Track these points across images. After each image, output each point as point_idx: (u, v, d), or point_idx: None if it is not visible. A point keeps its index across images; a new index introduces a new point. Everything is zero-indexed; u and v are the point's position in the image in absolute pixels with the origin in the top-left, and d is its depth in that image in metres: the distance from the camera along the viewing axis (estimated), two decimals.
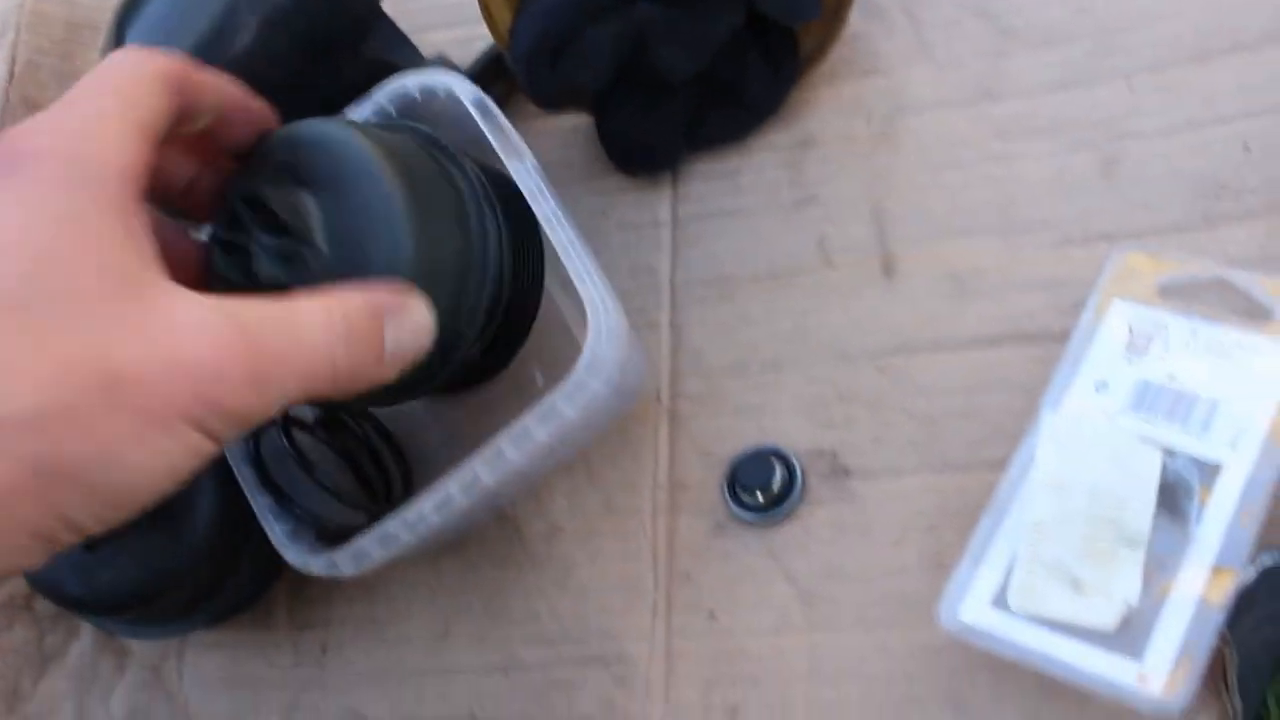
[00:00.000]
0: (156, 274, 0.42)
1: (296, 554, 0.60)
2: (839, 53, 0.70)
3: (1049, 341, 0.62)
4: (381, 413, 0.69)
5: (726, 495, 0.64)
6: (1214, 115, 0.63)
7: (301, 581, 0.70)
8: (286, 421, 0.63)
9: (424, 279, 0.52)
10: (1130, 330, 0.59)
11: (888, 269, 0.66)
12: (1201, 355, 0.58)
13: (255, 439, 0.63)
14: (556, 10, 0.65)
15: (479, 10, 0.67)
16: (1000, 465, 0.59)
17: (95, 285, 0.40)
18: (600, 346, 0.56)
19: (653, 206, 0.72)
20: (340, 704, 0.68)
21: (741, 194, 0.71)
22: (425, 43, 0.76)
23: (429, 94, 0.62)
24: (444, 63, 0.73)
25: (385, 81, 0.63)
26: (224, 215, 0.54)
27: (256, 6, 0.65)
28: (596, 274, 0.57)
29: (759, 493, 0.62)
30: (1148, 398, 0.57)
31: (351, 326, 0.46)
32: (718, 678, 0.62)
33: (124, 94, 0.45)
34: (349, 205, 0.52)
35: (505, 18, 0.68)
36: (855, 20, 0.70)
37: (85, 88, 0.45)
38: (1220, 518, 0.54)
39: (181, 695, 0.71)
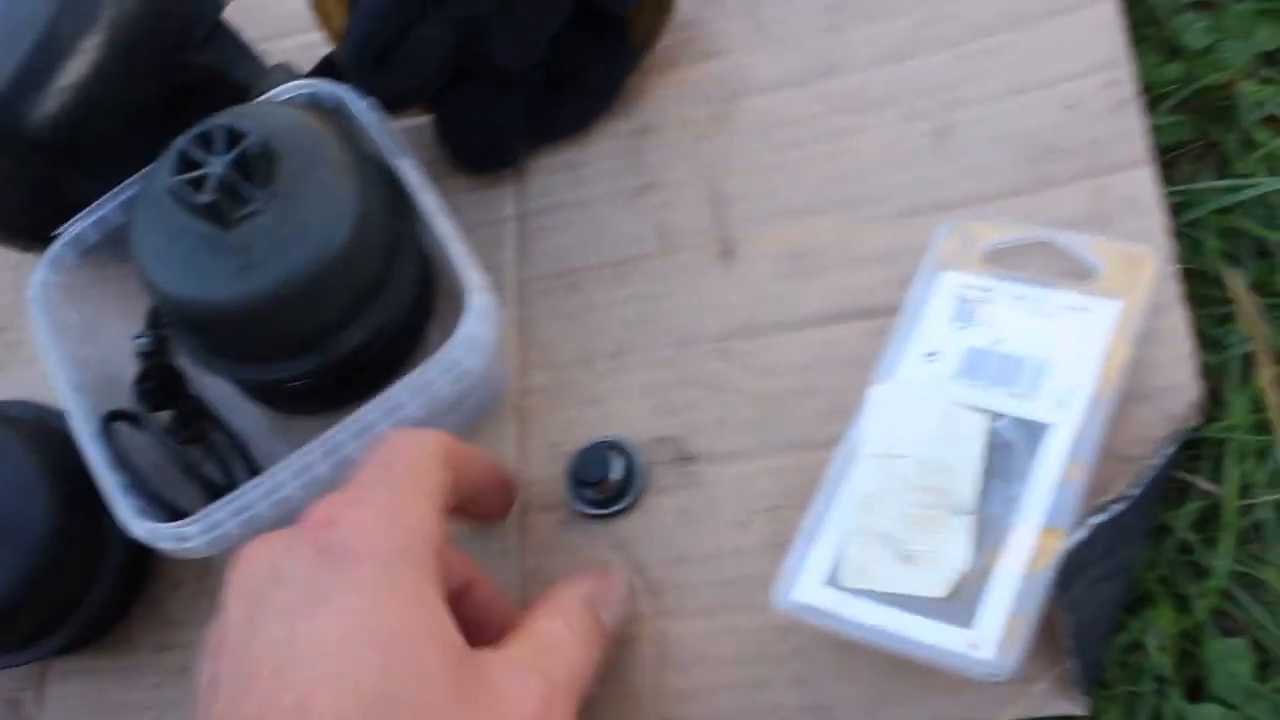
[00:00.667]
0: (464, 646, 0.47)
1: (144, 527, 0.58)
2: (676, 37, 0.70)
3: (887, 316, 0.61)
4: (243, 428, 0.70)
5: (568, 491, 0.63)
6: (1036, 79, 0.63)
7: (161, 602, 0.69)
8: (145, 407, 0.65)
9: (357, 251, 0.58)
10: (958, 298, 0.59)
11: (727, 251, 0.66)
12: (1028, 318, 0.57)
13: (106, 422, 0.62)
14: (383, 10, 0.64)
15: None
16: (840, 442, 0.59)
17: (440, 665, 0.44)
18: (476, 325, 0.57)
19: (497, 204, 0.71)
20: None
21: (584, 185, 0.70)
22: (272, 51, 0.75)
23: (313, 100, 0.65)
24: (286, 71, 0.72)
25: (271, 90, 0.66)
26: (199, 131, 0.58)
27: (83, 26, 0.64)
28: (477, 262, 0.59)
29: (598, 487, 0.62)
30: (975, 364, 0.57)
31: (585, 628, 0.52)
32: None
33: (417, 473, 0.50)
34: (308, 173, 0.58)
35: (339, 21, 0.67)
36: (692, 4, 0.70)
37: (381, 471, 0.50)
38: (1047, 479, 0.54)
39: None
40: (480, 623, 0.52)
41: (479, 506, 0.57)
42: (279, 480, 0.57)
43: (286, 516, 0.57)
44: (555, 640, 0.50)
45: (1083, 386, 0.55)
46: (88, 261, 0.66)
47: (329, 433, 0.57)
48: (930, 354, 0.58)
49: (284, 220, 0.57)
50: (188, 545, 0.58)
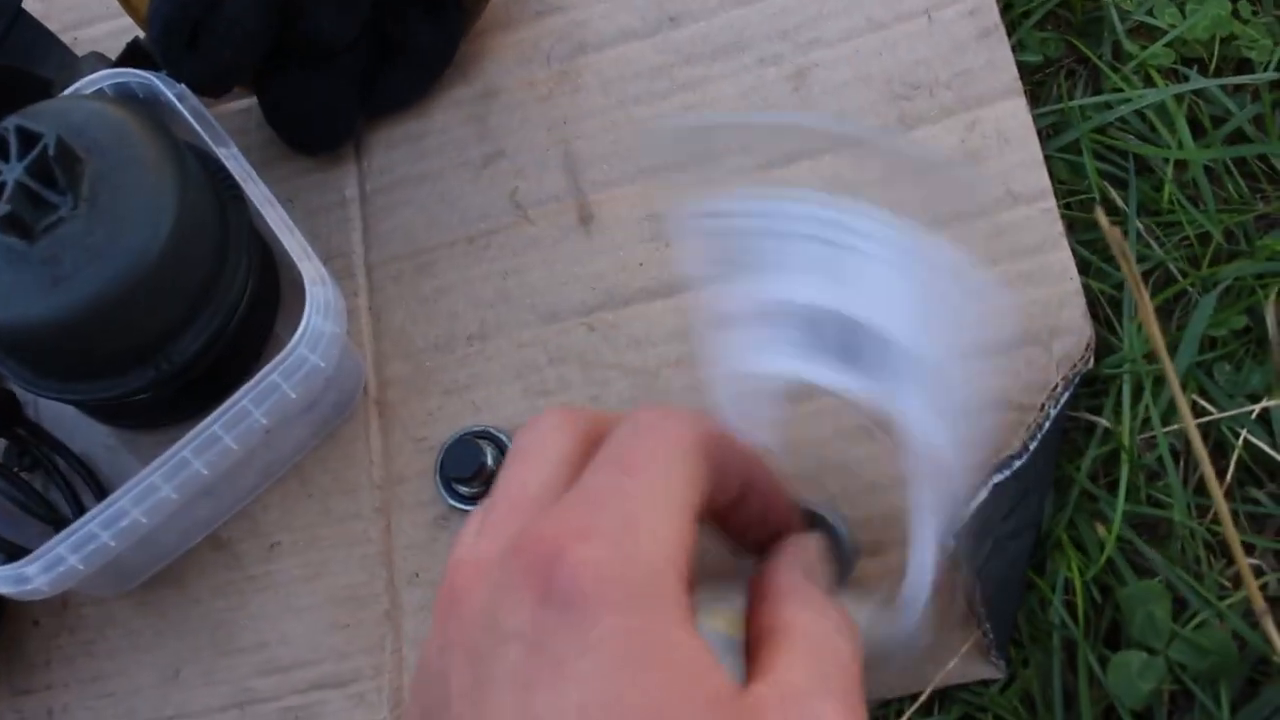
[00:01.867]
0: (732, 680, 0.36)
1: None
2: None
3: None
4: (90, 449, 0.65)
5: (440, 488, 0.59)
6: (894, 11, 0.60)
7: (16, 646, 0.64)
8: None
9: (179, 252, 0.54)
10: None
11: (585, 217, 0.62)
12: None
13: None
14: None
15: None
16: None
17: None
18: (319, 319, 0.53)
19: (338, 184, 0.67)
20: None
21: (428, 157, 0.66)
22: (83, 39, 0.70)
23: (123, 90, 0.60)
24: (98, 60, 0.66)
25: (81, 79, 0.61)
26: None
27: None
28: (313, 252, 0.56)
29: (472, 482, 0.58)
30: None
31: (836, 610, 0.41)
32: None
33: (664, 481, 0.38)
34: (118, 172, 0.53)
35: (142, 2, 0.61)
36: None
37: (616, 478, 0.38)
38: None
39: None
40: (756, 524, 0.44)
41: (741, 518, 0.44)
42: (120, 508, 0.53)
43: (140, 543, 0.54)
44: (824, 642, 0.39)
45: None
46: None
47: (171, 450, 0.53)
48: None
49: (94, 226, 0.52)
50: (29, 587, 0.53)
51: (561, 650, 0.34)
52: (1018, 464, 0.52)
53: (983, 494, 0.52)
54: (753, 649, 0.39)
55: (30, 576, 0.53)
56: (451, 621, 0.38)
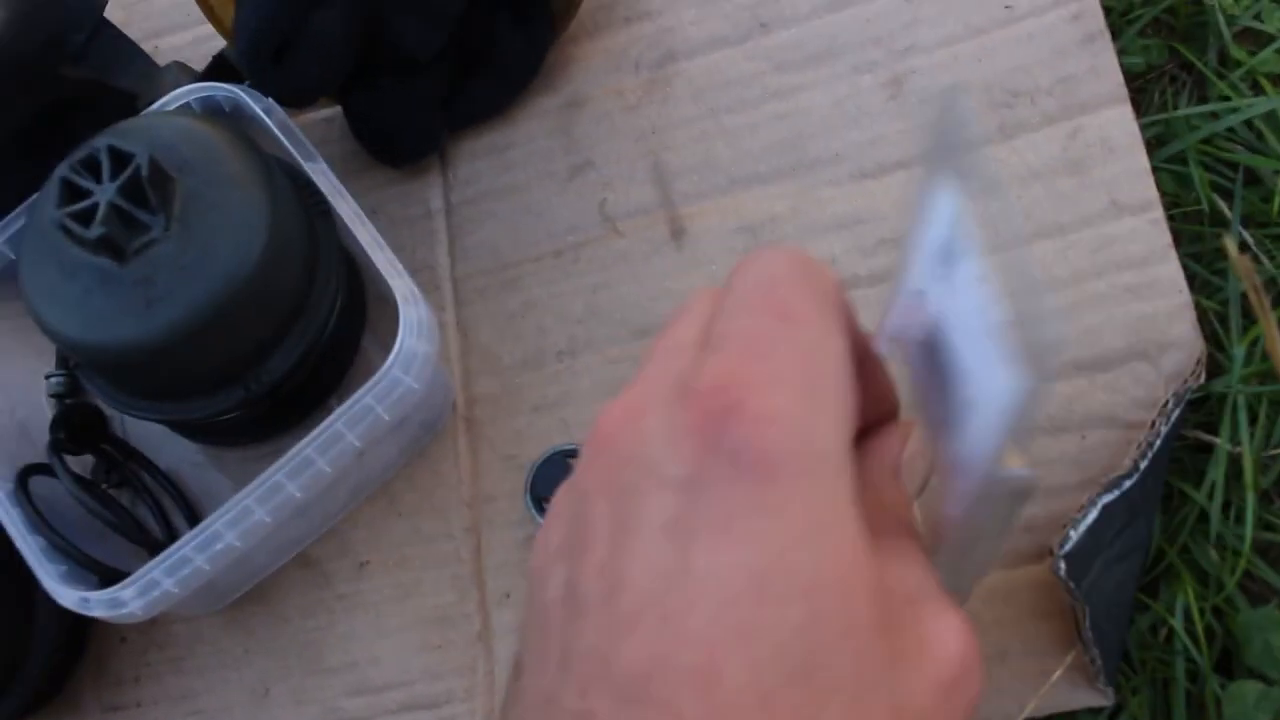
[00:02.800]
0: (899, 579, 0.35)
1: (73, 596, 0.54)
2: (598, 1, 0.64)
3: (854, 286, 0.57)
4: (176, 465, 0.65)
5: (531, 508, 0.58)
6: (994, 17, 0.58)
7: (105, 663, 0.64)
8: (59, 458, 0.59)
9: (272, 271, 0.53)
10: None
11: (676, 230, 0.61)
12: None
13: (22, 479, 0.57)
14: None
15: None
16: None
17: (873, 620, 0.32)
18: (412, 340, 0.53)
19: (422, 196, 0.66)
20: None
21: (513, 169, 0.65)
22: (164, 47, 0.69)
23: (209, 105, 0.60)
24: (180, 71, 0.65)
25: (161, 97, 0.60)
26: (81, 155, 0.52)
27: None
28: (404, 269, 0.55)
29: None
30: None
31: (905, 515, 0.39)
32: None
33: (834, 330, 0.35)
34: (208, 190, 0.52)
35: (228, 11, 0.61)
36: None
37: (781, 325, 0.35)
38: None
39: None
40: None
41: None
42: (215, 531, 0.53)
43: (231, 565, 0.53)
44: (914, 553, 0.38)
45: None
46: None
47: (265, 474, 0.53)
48: None
49: (187, 246, 0.51)
50: (124, 611, 0.53)
51: (732, 506, 0.32)
52: (1127, 484, 0.51)
53: (1091, 515, 0.51)
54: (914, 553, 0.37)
55: (125, 601, 0.52)
56: (596, 464, 0.35)
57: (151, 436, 0.65)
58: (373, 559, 0.61)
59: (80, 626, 0.64)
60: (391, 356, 0.52)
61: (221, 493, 0.63)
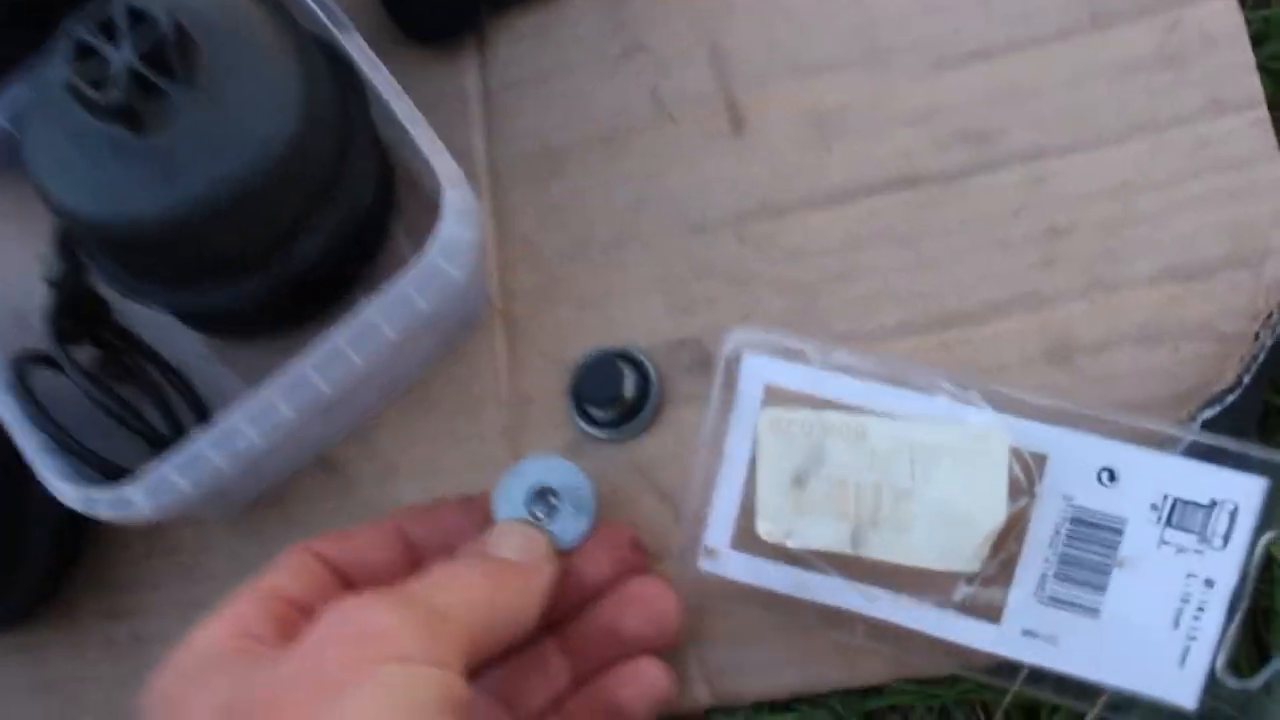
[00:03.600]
0: None
1: (77, 493, 0.50)
2: None
3: (930, 184, 0.54)
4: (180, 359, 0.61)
5: (574, 413, 0.55)
6: None
7: (105, 568, 0.61)
8: (62, 346, 0.55)
9: (305, 146, 0.49)
10: None
11: (736, 119, 0.57)
12: None
13: (20, 369, 0.53)
14: None
15: None
16: (892, 331, 0.52)
17: None
18: (455, 225, 0.49)
19: (457, 78, 0.62)
20: None
21: (558, 49, 0.61)
22: None
23: None
24: None
25: None
26: (95, 15, 0.47)
27: None
28: (442, 147, 0.51)
29: (609, 406, 0.54)
30: None
31: None
32: None
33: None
34: (237, 59, 0.48)
35: None
36: None
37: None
38: None
39: None
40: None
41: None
42: (234, 427, 0.49)
43: (249, 466, 0.50)
44: None
45: None
46: None
47: (292, 365, 0.49)
48: None
49: (213, 117, 0.47)
50: (132, 512, 0.49)
51: None
52: (1230, 399, 0.48)
53: (1198, 422, 0.48)
54: None
55: (134, 500, 0.49)
56: None
57: (153, 328, 0.60)
58: (401, 462, 0.58)
59: (78, 529, 0.60)
60: (432, 241, 0.49)
61: (230, 390, 0.60)
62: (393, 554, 0.49)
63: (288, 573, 0.45)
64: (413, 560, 0.49)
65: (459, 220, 0.49)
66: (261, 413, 0.49)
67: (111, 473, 0.53)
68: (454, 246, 0.49)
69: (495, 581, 0.44)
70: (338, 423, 0.57)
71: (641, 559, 0.51)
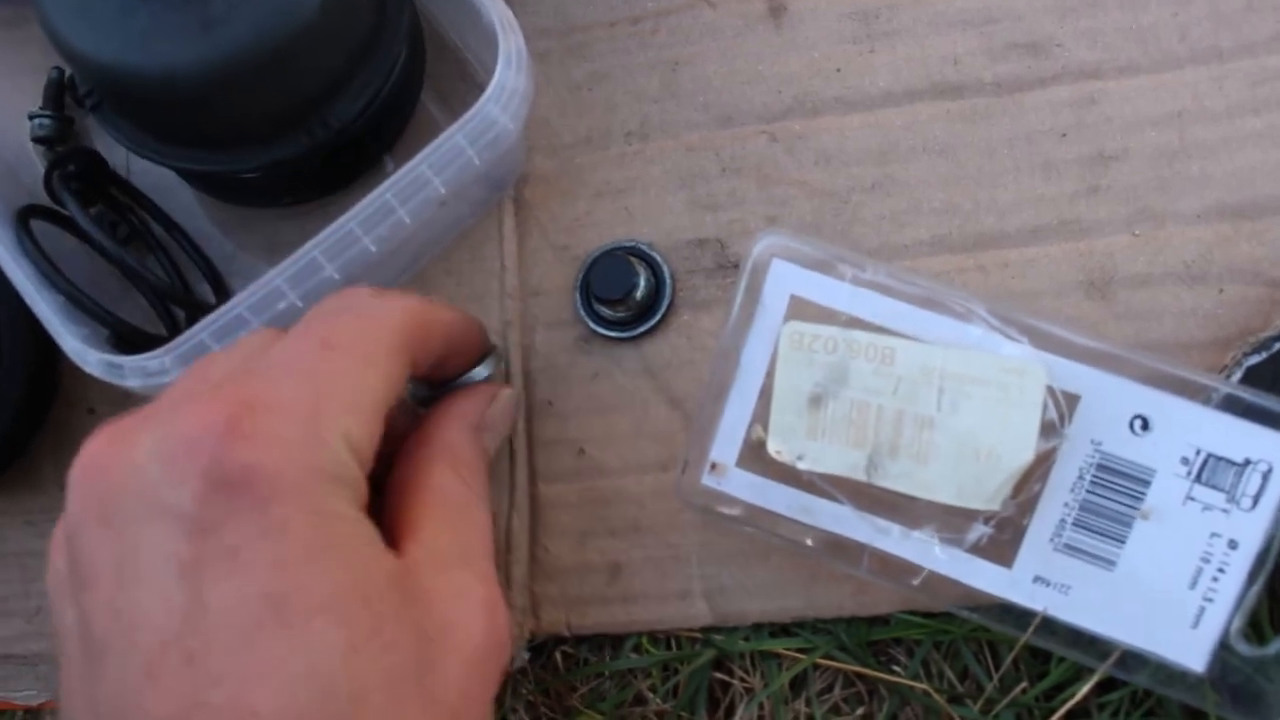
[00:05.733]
0: (430, 555, 0.39)
1: (100, 360, 0.49)
2: None
3: (977, 95, 0.53)
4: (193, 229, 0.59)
5: (581, 309, 0.54)
6: None
7: (69, 434, 0.60)
8: (71, 194, 0.53)
9: (344, 5, 0.47)
10: None
11: (776, 6, 0.57)
12: None
13: (23, 222, 0.52)
14: None
15: None
16: (924, 247, 0.52)
17: (391, 616, 0.35)
18: (510, 73, 0.48)
19: None
20: None
21: None
22: None
23: None
24: None
25: None
26: None
27: None
28: None
29: (618, 305, 0.53)
30: None
31: (481, 479, 0.45)
32: (593, 528, 0.54)
33: (373, 364, 0.39)
34: None
35: None
36: None
37: (315, 353, 0.38)
38: None
39: None
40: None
41: (439, 372, 0.47)
42: (275, 287, 0.47)
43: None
44: (465, 512, 0.42)
45: None
46: None
47: (337, 224, 0.47)
48: None
49: None
50: (163, 380, 0.48)
51: (236, 534, 0.33)
52: (1277, 346, 0.48)
53: (1235, 377, 0.48)
54: (400, 502, 0.41)
55: (167, 368, 0.48)
56: (86, 495, 0.36)
57: (155, 193, 0.59)
58: None
59: (44, 391, 0.59)
60: (489, 90, 0.48)
61: (245, 259, 0.59)
62: (442, 351, 0.46)
63: (395, 362, 0.41)
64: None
65: (514, 68, 0.49)
66: (305, 272, 0.47)
67: (129, 339, 0.52)
68: (509, 96, 0.48)
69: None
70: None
71: None
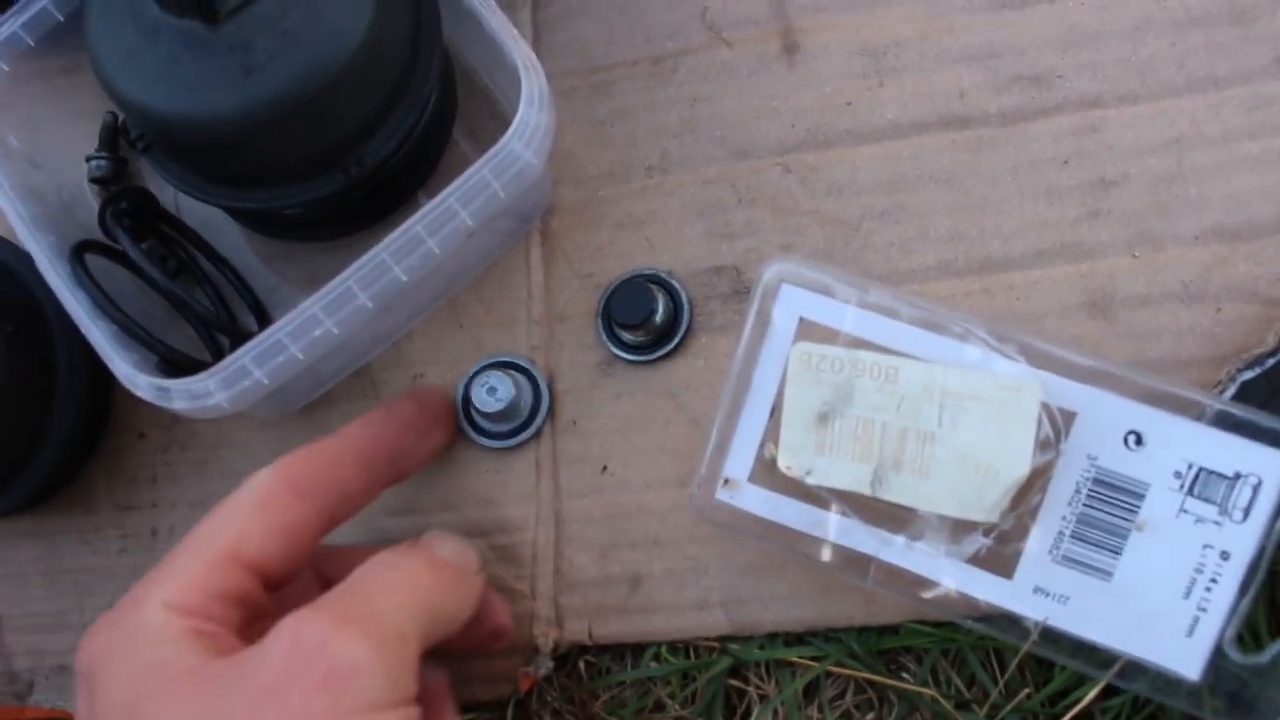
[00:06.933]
0: None
1: (150, 383, 0.52)
2: None
3: (982, 125, 0.56)
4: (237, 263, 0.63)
5: (603, 334, 0.57)
6: None
7: (121, 458, 0.64)
8: (124, 229, 0.57)
9: (382, 39, 0.50)
10: None
11: (789, 45, 0.59)
12: None
13: (79, 257, 0.55)
14: None
15: None
16: (931, 272, 0.54)
17: None
18: (533, 111, 0.51)
19: None
20: None
21: None
22: None
23: None
24: None
25: None
26: None
27: None
28: (518, 34, 0.52)
29: (638, 329, 0.56)
30: None
31: None
32: (615, 541, 0.57)
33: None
34: None
35: None
36: None
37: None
38: None
39: None
40: None
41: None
42: (311, 315, 0.50)
43: (325, 357, 0.52)
44: None
45: None
46: (21, 71, 0.58)
47: (370, 254, 0.50)
48: None
49: (289, 9, 0.48)
50: (209, 403, 0.51)
51: None
52: (1271, 362, 0.51)
53: (1230, 391, 0.50)
54: None
55: (210, 391, 0.51)
56: None
57: (202, 228, 0.63)
58: (428, 372, 0.60)
59: (98, 416, 0.63)
60: (512, 128, 0.51)
61: (287, 290, 0.63)
62: (355, 470, 0.52)
63: (254, 514, 0.48)
64: (371, 478, 0.53)
65: (536, 105, 0.51)
66: (339, 301, 0.50)
67: (177, 365, 0.56)
68: (532, 132, 0.51)
69: (440, 582, 0.49)
70: (398, 320, 0.60)
71: None
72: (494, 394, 0.56)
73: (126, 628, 0.45)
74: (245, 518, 0.47)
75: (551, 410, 0.58)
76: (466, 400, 0.59)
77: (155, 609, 0.44)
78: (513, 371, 0.58)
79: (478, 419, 0.59)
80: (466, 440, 0.59)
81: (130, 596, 0.46)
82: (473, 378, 0.59)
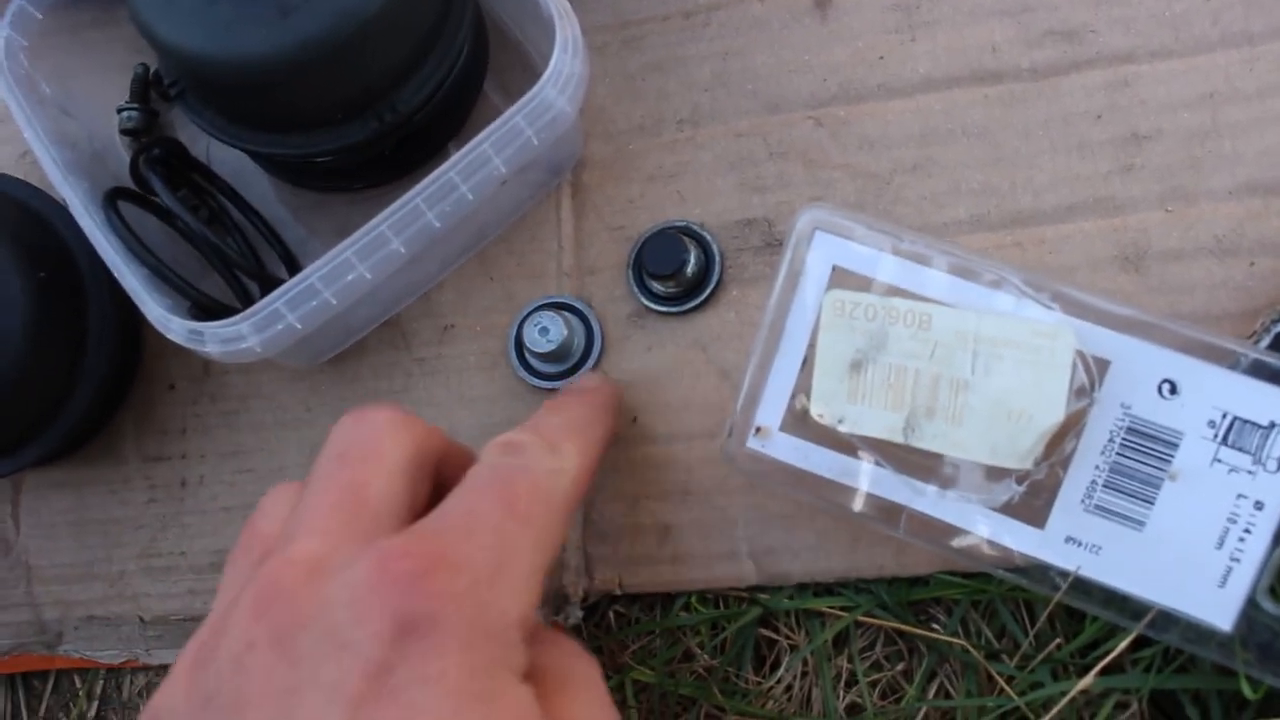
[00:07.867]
0: None
1: (184, 327, 0.52)
2: None
3: (1014, 80, 0.56)
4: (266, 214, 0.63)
5: (633, 285, 0.58)
6: None
7: (150, 409, 0.64)
8: (157, 175, 0.57)
9: None
10: None
11: (821, 0, 0.59)
12: None
13: (111, 203, 0.55)
14: None
15: None
16: (963, 225, 0.54)
17: None
18: (566, 58, 0.51)
19: None
20: (206, 546, 0.62)
21: None
22: None
23: None
24: None
25: None
26: None
27: None
28: None
29: (669, 281, 0.56)
30: None
31: None
32: (645, 491, 0.58)
33: (549, 535, 0.42)
34: None
35: None
36: None
37: (502, 514, 0.40)
38: None
39: (20, 544, 0.65)
40: None
41: None
42: (344, 260, 0.51)
43: (356, 305, 0.52)
44: (588, 681, 0.43)
45: None
46: (51, 23, 0.58)
47: (403, 199, 0.51)
48: None
49: None
50: (242, 346, 0.51)
51: (400, 676, 0.35)
52: None
53: (1264, 342, 0.51)
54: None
55: (244, 335, 0.51)
56: (269, 618, 0.37)
57: (233, 180, 0.63)
58: (458, 323, 0.61)
59: (128, 366, 0.63)
60: (546, 74, 0.51)
61: (317, 243, 0.63)
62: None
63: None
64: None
65: (571, 54, 0.52)
66: (372, 246, 0.51)
67: (208, 310, 0.56)
68: (566, 80, 0.52)
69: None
70: (429, 271, 0.60)
71: None
72: (545, 334, 0.56)
73: (478, 612, 0.38)
74: (559, 537, 0.44)
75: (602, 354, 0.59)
76: (519, 339, 0.59)
77: (509, 613, 0.39)
78: (565, 313, 0.58)
79: (530, 359, 0.59)
80: (518, 378, 0.60)
81: (481, 564, 0.39)
82: (526, 316, 0.59)
